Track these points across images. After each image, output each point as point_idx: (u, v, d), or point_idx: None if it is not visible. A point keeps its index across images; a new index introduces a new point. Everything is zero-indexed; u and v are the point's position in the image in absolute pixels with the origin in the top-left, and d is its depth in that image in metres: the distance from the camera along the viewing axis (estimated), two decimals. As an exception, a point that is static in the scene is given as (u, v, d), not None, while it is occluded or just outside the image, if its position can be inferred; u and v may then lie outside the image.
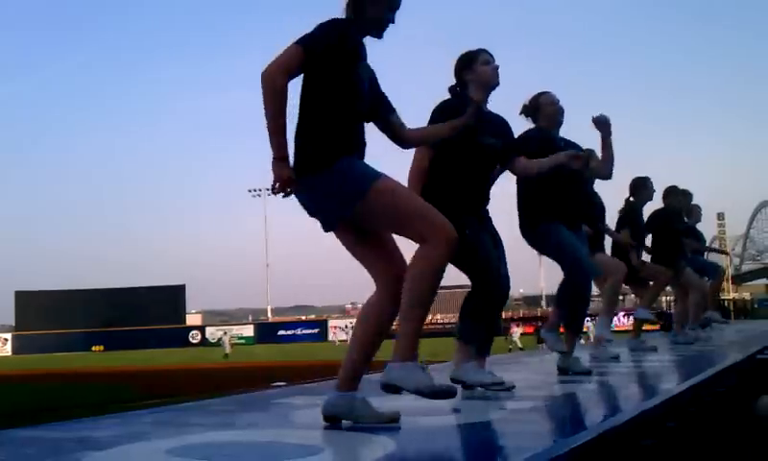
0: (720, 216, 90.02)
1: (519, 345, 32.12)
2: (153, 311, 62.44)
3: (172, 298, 66.14)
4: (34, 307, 62.98)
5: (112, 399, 12.90)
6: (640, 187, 7.32)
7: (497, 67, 4.07)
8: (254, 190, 72.80)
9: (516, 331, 35.68)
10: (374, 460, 2.31)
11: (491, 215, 4.21)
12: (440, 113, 3.88)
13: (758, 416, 5.62)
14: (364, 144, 3.01)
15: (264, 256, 76.72)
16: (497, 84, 4.09)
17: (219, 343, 43.20)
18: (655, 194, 7.55)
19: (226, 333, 46.48)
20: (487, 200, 4.21)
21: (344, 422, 2.83)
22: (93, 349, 57.09)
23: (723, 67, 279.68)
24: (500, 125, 4.24)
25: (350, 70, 2.91)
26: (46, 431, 3.23)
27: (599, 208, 6.80)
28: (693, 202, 9.21)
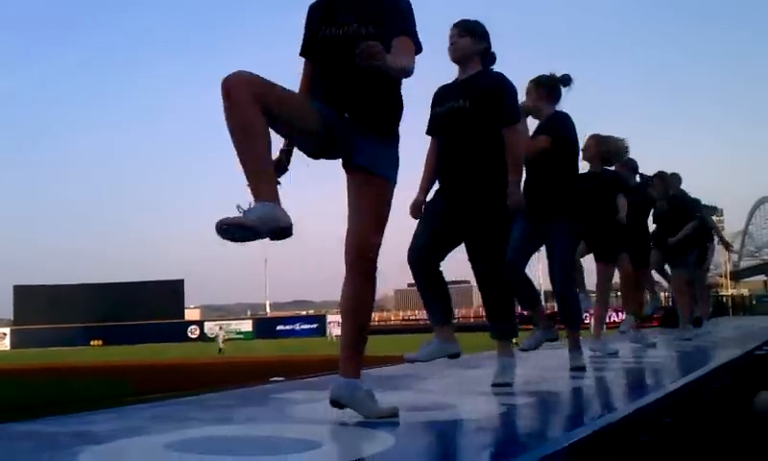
0: (719, 212, 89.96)
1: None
2: (151, 306, 62.37)
3: (171, 293, 66.08)
4: (32, 302, 62.91)
5: (110, 393, 12.88)
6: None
7: (449, 42, 4.12)
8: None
9: None
10: (373, 455, 2.32)
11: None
12: None
13: (756, 412, 5.63)
14: (327, 85, 2.96)
15: (263, 252, 76.72)
16: (452, 57, 4.13)
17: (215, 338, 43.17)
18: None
19: (221, 328, 46.34)
20: (463, 173, 3.99)
21: (346, 415, 2.83)
22: (92, 343, 57.07)
23: (722, 67, 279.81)
24: (478, 86, 4.05)
25: (309, 28, 3.07)
26: (44, 425, 3.23)
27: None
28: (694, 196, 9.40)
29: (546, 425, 3.17)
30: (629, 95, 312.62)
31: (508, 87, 4.05)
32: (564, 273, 4.88)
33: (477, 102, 3.97)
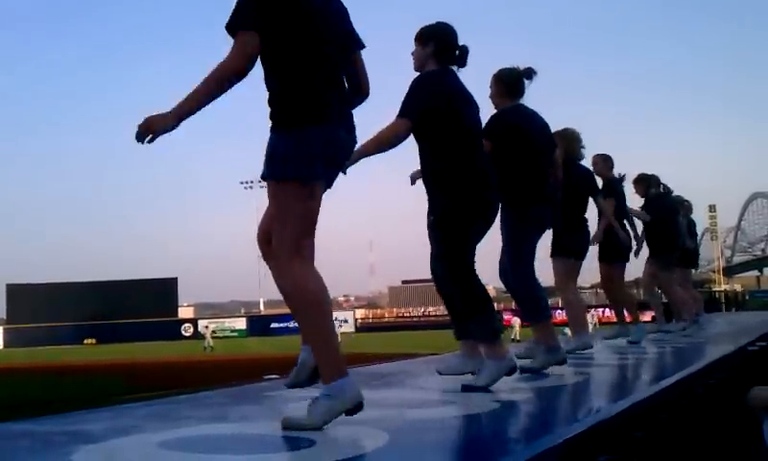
0: (711, 208, 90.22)
1: (518, 337, 32.19)
2: (145, 304, 62.33)
3: (164, 291, 66.08)
4: (25, 300, 62.80)
5: (104, 392, 12.87)
6: None
7: None
8: (246, 182, 73.30)
9: (516, 321, 35.88)
10: (367, 452, 2.32)
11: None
12: None
13: (750, 407, 5.64)
14: None
15: (255, 249, 76.66)
16: (414, 69, 4.08)
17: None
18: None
19: (207, 327, 46.23)
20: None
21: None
22: (85, 342, 56.98)
23: (715, 60, 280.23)
24: None
25: None
26: (38, 425, 3.22)
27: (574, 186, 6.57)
28: (684, 197, 9.48)
29: (541, 422, 3.17)
30: (619, 87, 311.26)
31: (411, 84, 3.96)
32: (511, 262, 4.79)
33: None
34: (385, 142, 3.81)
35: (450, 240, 3.94)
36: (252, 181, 72.20)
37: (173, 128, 2.62)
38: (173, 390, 9.94)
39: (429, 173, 4.00)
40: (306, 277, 2.75)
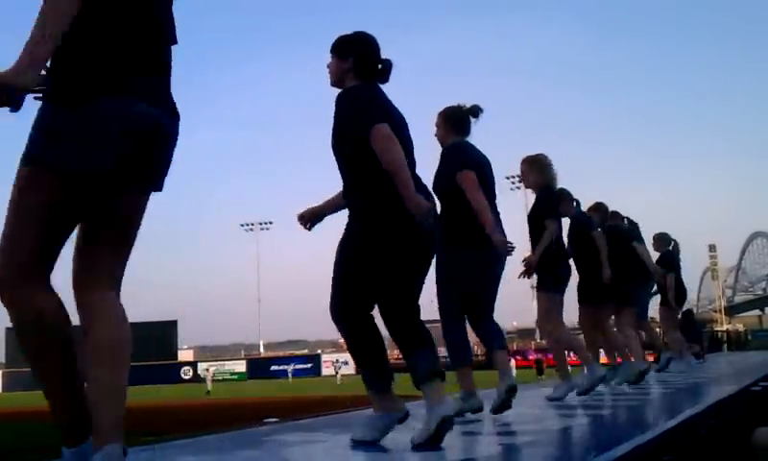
0: (712, 248, 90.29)
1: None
2: (144, 347, 61.87)
3: (164, 334, 65.73)
4: (24, 344, 62.55)
5: (103, 436, 12.74)
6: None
7: None
8: (246, 225, 73.65)
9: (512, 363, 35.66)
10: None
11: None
12: None
13: (754, 448, 5.60)
14: None
15: (256, 291, 76.87)
16: (330, 84, 3.59)
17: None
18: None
19: (208, 370, 46.53)
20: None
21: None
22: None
23: (714, 96, 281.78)
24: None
25: None
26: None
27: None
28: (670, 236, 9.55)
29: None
30: (617, 126, 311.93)
31: (350, 101, 3.47)
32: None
33: (334, 127, 3.51)
34: (399, 159, 3.22)
35: (350, 270, 3.42)
36: (252, 224, 72.56)
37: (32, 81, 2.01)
38: (172, 434, 9.85)
39: (355, 195, 3.46)
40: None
